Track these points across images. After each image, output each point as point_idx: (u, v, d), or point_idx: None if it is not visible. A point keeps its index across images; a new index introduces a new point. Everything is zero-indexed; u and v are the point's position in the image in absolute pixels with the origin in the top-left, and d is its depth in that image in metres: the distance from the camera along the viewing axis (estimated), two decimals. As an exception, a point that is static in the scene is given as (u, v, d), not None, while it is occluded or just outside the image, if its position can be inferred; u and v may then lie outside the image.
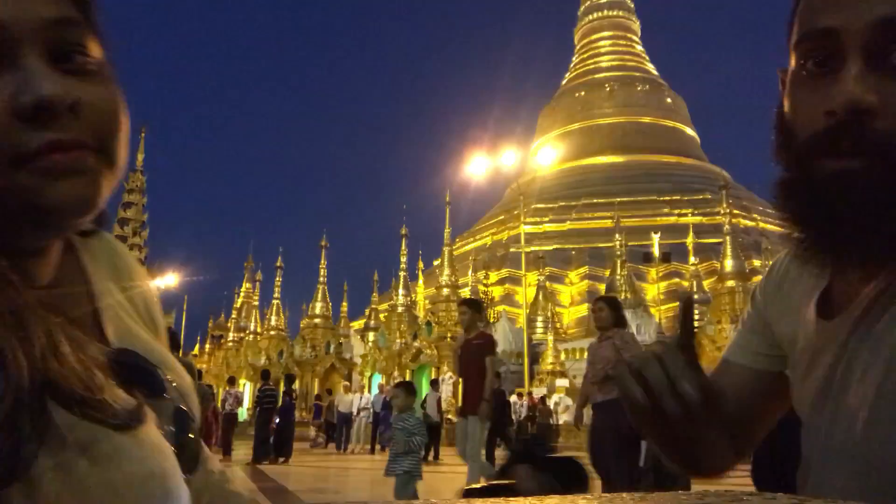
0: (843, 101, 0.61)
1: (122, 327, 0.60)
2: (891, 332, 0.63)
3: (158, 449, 0.52)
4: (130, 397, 0.51)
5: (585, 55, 68.40)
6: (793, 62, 0.69)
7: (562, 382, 26.36)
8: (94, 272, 0.62)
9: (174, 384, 0.59)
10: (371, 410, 19.23)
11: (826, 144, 0.63)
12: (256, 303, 44.54)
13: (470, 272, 38.67)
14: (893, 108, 0.60)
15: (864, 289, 0.68)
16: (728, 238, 33.90)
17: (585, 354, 9.70)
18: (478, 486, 0.83)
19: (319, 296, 34.86)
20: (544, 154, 41.39)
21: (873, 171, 0.61)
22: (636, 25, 68.70)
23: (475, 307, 6.74)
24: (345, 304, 37.61)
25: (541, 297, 39.13)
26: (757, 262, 36.44)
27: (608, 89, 63.72)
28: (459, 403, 7.00)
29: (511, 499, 0.34)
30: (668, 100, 62.84)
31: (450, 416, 23.46)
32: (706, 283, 37.59)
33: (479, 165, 27.10)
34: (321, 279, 35.11)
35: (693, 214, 46.51)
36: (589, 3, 68.99)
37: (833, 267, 0.71)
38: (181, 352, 6.03)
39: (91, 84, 0.51)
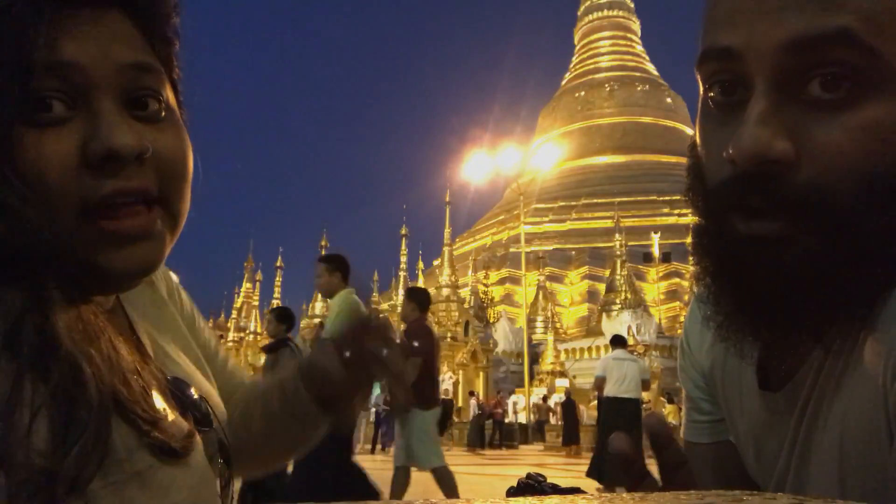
0: (743, 150, 0.47)
1: (160, 353, 0.60)
2: (844, 418, 0.50)
3: (205, 479, 0.54)
4: (185, 424, 0.52)
5: (585, 55, 68.38)
6: (700, 86, 0.54)
7: (562, 382, 26.35)
8: (130, 299, 0.61)
9: (216, 413, 0.60)
10: (371, 410, 19.23)
11: (734, 199, 0.50)
12: (256, 303, 44.53)
13: (470, 272, 38.67)
14: (816, 155, 0.46)
15: (808, 355, 0.55)
16: (728, 238, 33.86)
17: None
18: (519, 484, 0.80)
19: (319, 296, 34.84)
20: (544, 154, 41.45)
21: (795, 239, 0.48)
22: (636, 25, 68.67)
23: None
24: (345, 304, 37.59)
25: (541, 297, 39.13)
26: (757, 262, 36.40)
27: (608, 89, 63.71)
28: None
29: (511, 499, 0.34)
30: (668, 100, 62.80)
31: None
32: (706, 283, 37.57)
33: (479, 165, 27.11)
34: (321, 279, 35.09)
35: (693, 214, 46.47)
36: (589, 3, 68.97)
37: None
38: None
39: (160, 131, 0.51)
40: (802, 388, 0.55)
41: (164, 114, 0.51)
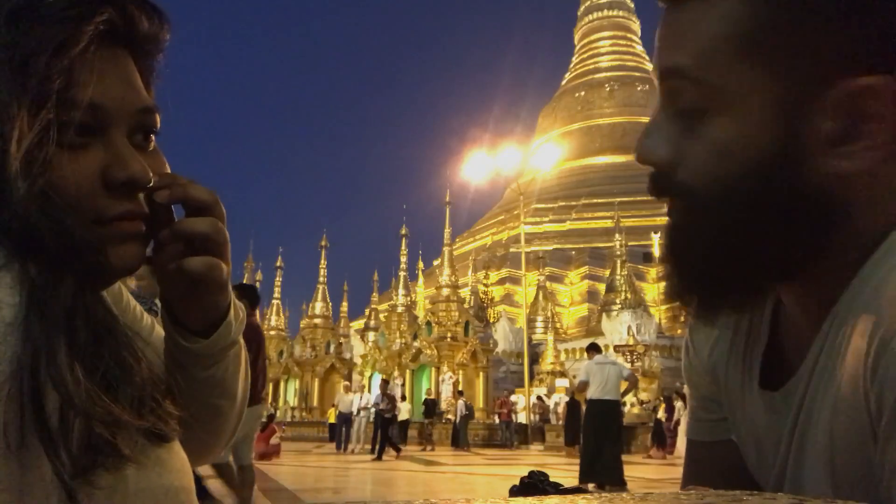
0: (636, 153, 0.61)
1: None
2: (833, 416, 0.53)
3: (185, 463, 0.59)
4: (174, 408, 0.56)
5: (585, 55, 68.40)
6: None
7: (562, 382, 26.37)
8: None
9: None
10: (371, 410, 19.24)
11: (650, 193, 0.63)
12: (256, 303, 44.51)
13: (470, 272, 38.68)
14: (687, 161, 0.57)
15: (804, 352, 0.59)
16: (728, 238, 33.83)
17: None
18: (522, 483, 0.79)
19: (319, 296, 34.85)
20: (544, 154, 41.44)
21: (682, 228, 0.59)
22: (636, 25, 68.70)
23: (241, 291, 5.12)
24: (345, 304, 37.65)
25: (541, 297, 39.14)
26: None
27: (608, 89, 63.74)
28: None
29: (511, 499, 0.35)
30: (668, 100, 62.81)
31: (449, 416, 23.53)
32: (706, 283, 37.56)
33: (478, 165, 27.12)
34: (321, 279, 35.10)
35: (693, 214, 46.46)
36: (589, 3, 69.00)
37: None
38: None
39: (152, 159, 0.60)
40: (798, 388, 0.59)
41: (154, 145, 0.62)
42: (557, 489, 0.75)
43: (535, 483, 0.77)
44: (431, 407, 21.47)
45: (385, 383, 17.88)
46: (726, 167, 0.55)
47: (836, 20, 0.52)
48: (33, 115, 0.51)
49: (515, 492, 0.79)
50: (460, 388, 24.12)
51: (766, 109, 0.54)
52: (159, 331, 0.71)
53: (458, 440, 20.05)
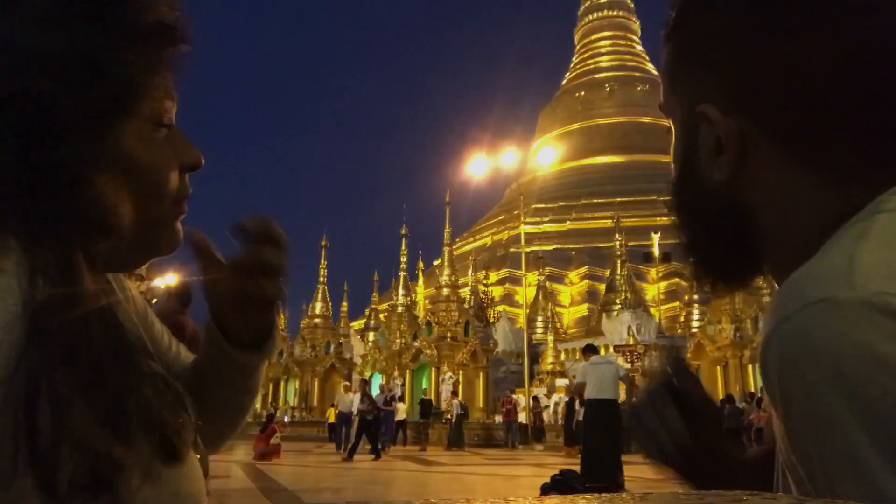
0: None
1: None
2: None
3: (198, 470, 0.62)
4: (189, 425, 0.60)
5: (585, 55, 68.41)
6: None
7: (562, 382, 26.37)
8: None
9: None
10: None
11: None
12: (256, 303, 44.48)
13: (470, 272, 38.66)
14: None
15: None
16: (728, 238, 33.82)
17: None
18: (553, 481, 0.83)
19: (319, 296, 34.85)
20: (544, 154, 41.46)
21: (678, 232, 0.68)
22: (636, 25, 68.73)
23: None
24: (345, 304, 37.61)
25: (541, 297, 39.13)
26: (757, 262, 36.36)
27: (608, 89, 63.75)
28: None
29: (511, 498, 0.35)
30: (668, 100, 62.80)
31: (448, 416, 23.54)
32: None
33: (479, 165, 27.13)
34: (321, 279, 35.10)
35: (693, 214, 46.45)
36: (589, 3, 69.02)
37: None
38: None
39: None
40: None
41: None
42: (586, 487, 0.78)
43: (566, 480, 0.80)
44: (427, 407, 21.48)
45: (364, 383, 17.63)
46: (676, 177, 0.67)
47: (688, 59, 0.65)
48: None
49: (547, 489, 0.82)
50: (454, 390, 24.16)
51: (680, 127, 0.66)
52: (176, 347, 0.79)
53: (454, 440, 20.03)
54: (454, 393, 22.64)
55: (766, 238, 0.62)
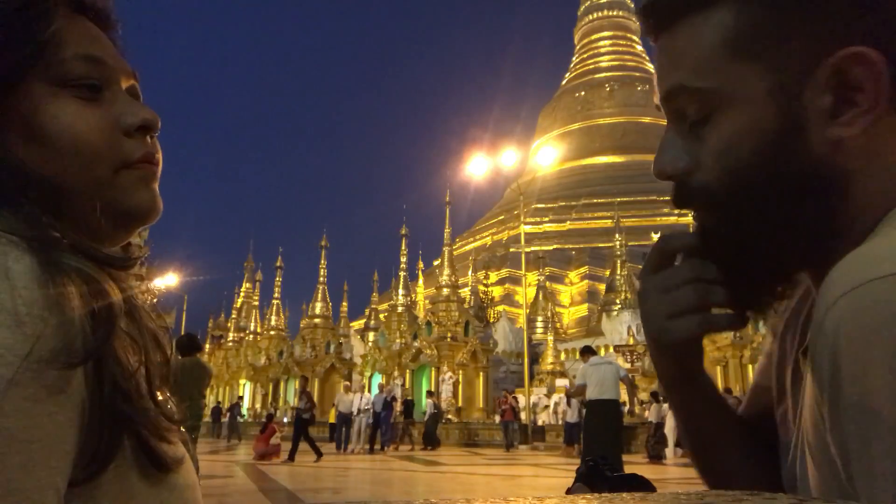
0: (653, 169, 0.66)
1: None
2: (808, 406, 0.56)
3: (190, 463, 0.62)
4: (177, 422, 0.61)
5: (585, 55, 68.42)
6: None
7: (562, 382, 26.37)
8: None
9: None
10: (371, 411, 19.25)
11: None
12: (256, 303, 44.54)
13: (470, 272, 38.68)
14: (703, 164, 0.61)
15: None
16: (728, 238, 33.83)
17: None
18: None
19: (319, 296, 34.85)
20: (544, 154, 41.38)
21: (708, 228, 0.63)
22: (636, 25, 68.27)
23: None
24: (345, 304, 37.63)
25: (541, 297, 39.13)
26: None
27: (608, 89, 63.75)
28: None
29: (511, 498, 0.36)
30: (668, 100, 62.82)
31: (449, 417, 23.55)
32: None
33: (478, 165, 27.08)
34: (321, 279, 35.10)
35: (693, 214, 46.48)
36: (589, 3, 69.02)
37: None
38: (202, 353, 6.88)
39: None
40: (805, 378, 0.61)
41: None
42: (614, 474, 0.80)
43: (597, 466, 0.82)
44: (409, 408, 21.54)
45: (304, 380, 17.25)
46: (735, 157, 0.59)
47: (817, 5, 0.57)
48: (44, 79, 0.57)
49: (581, 474, 0.84)
50: (430, 389, 24.22)
51: (763, 98, 0.58)
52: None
53: (427, 439, 20.01)
54: (429, 393, 22.67)
55: (846, 222, 0.58)
